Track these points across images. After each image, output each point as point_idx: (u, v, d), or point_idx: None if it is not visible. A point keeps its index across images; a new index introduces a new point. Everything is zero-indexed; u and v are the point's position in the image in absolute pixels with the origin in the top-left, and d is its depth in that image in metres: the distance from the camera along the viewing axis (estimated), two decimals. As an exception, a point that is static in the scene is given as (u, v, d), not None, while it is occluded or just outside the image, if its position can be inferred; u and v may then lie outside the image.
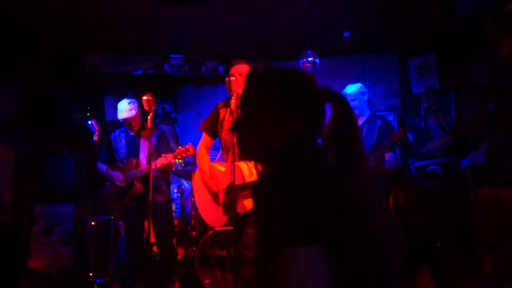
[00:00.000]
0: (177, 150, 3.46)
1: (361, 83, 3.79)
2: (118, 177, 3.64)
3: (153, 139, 3.69)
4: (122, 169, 3.65)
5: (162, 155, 3.50)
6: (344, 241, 0.91)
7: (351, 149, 1.04)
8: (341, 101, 1.07)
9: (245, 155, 1.17)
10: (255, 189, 1.10)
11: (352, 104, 3.56)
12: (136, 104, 3.66)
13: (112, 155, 3.80)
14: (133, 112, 3.62)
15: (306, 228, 0.86)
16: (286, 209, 0.89)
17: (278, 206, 0.90)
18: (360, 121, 3.64)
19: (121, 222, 4.39)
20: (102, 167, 3.80)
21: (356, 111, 3.58)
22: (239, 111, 1.16)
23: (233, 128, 1.17)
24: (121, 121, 3.71)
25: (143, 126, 3.74)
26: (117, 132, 3.84)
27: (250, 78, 1.15)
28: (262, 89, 1.09)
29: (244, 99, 1.13)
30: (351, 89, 3.65)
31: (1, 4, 3.74)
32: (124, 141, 3.76)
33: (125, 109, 3.64)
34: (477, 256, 3.57)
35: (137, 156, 3.64)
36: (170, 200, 3.92)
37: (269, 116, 1.05)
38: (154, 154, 3.64)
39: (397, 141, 3.36)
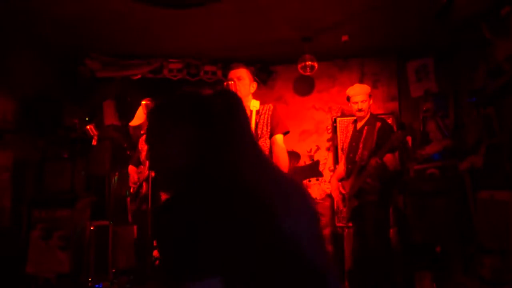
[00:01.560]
0: None
1: None
2: (132, 178, 3.68)
3: None
4: (140, 171, 3.69)
5: None
6: (247, 270, 0.85)
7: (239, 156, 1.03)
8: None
9: (151, 169, 1.20)
10: (155, 213, 1.09)
11: (361, 105, 3.57)
12: (149, 104, 3.60)
13: (138, 156, 3.84)
14: (141, 120, 3.63)
15: (203, 264, 0.82)
16: (181, 243, 0.85)
17: (173, 239, 0.86)
18: (361, 123, 3.64)
19: (122, 226, 4.41)
20: (130, 169, 3.84)
21: (362, 113, 3.59)
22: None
23: (146, 142, 1.20)
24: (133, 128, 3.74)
25: None
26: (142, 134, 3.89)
27: (152, 112, 1.17)
28: (166, 115, 1.11)
29: (151, 126, 1.15)
30: (361, 90, 3.64)
31: (0, 8, 3.74)
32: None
33: (136, 116, 3.67)
34: (476, 259, 3.57)
35: None
36: None
37: (176, 137, 1.07)
38: None
39: (397, 144, 3.36)
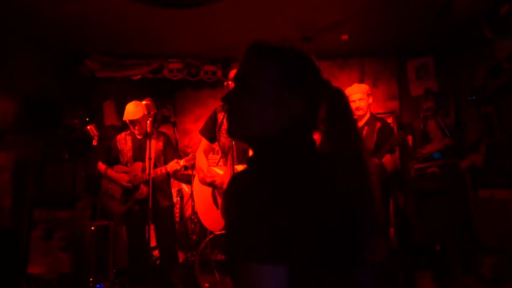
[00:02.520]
0: (186, 157, 3.48)
1: None
2: (123, 178, 3.64)
3: (160, 144, 3.71)
4: (127, 171, 3.66)
5: (175, 160, 3.51)
6: (317, 263, 0.79)
7: (348, 146, 0.91)
8: (342, 95, 0.96)
9: (233, 137, 1.03)
10: (232, 179, 0.90)
11: (359, 103, 3.56)
12: (142, 107, 3.59)
13: (115, 156, 3.80)
14: (139, 115, 3.61)
15: (273, 246, 0.75)
16: (257, 218, 0.76)
17: (249, 212, 0.78)
18: (361, 123, 3.63)
19: (123, 227, 4.39)
20: (102, 167, 3.79)
21: (361, 112, 3.58)
22: (233, 84, 0.99)
23: (225, 100, 1.01)
24: (128, 122, 3.69)
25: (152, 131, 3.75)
26: (123, 134, 3.84)
27: (253, 51, 1.02)
28: (266, 65, 0.96)
29: (243, 72, 0.99)
30: (359, 88, 3.63)
31: (0, 9, 3.74)
32: (130, 144, 3.75)
33: (132, 110, 3.64)
34: (477, 258, 3.57)
35: (143, 159, 3.64)
36: (173, 205, 3.93)
37: (269, 96, 0.93)
38: (160, 159, 3.66)
39: (397, 145, 3.35)
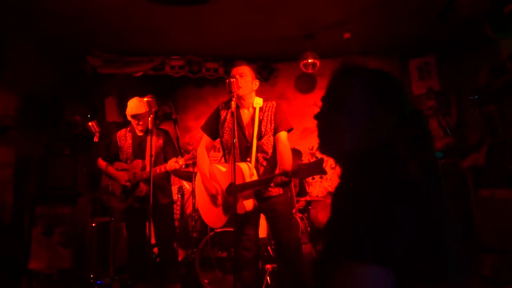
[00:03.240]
0: (187, 156, 3.47)
1: None
2: (122, 177, 3.64)
3: (160, 142, 3.70)
4: (127, 169, 3.65)
5: (174, 159, 3.50)
6: (416, 266, 0.79)
7: (429, 162, 0.94)
8: (420, 114, 1.00)
9: (324, 153, 1.05)
10: (334, 194, 0.99)
11: None
12: (145, 103, 3.55)
13: (115, 153, 3.79)
14: (143, 110, 3.59)
15: (376, 247, 0.77)
16: (362, 220, 0.80)
17: (355, 215, 0.82)
18: None
19: (123, 223, 4.40)
20: (102, 164, 3.79)
21: None
22: (321, 104, 1.06)
23: (317, 118, 1.04)
24: (131, 117, 3.67)
25: (153, 128, 3.73)
26: (123, 131, 3.83)
27: (343, 71, 1.05)
28: (357, 84, 1.00)
29: (333, 92, 1.02)
30: None
31: (1, 5, 3.74)
32: (130, 141, 3.75)
33: (136, 105, 3.63)
34: (477, 258, 3.56)
35: (143, 157, 3.63)
36: (173, 202, 3.93)
37: (360, 114, 0.96)
38: (160, 156, 3.65)
39: None
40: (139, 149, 3.69)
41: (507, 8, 3.45)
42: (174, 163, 3.45)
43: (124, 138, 3.77)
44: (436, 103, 4.72)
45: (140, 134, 3.72)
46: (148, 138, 3.66)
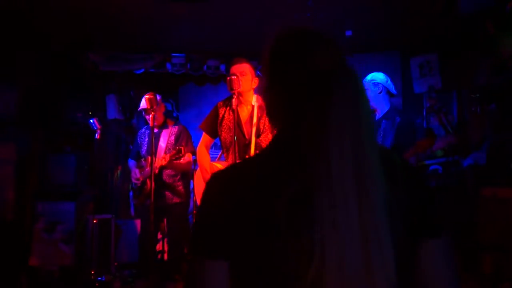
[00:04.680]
0: (171, 153, 3.42)
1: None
2: (134, 174, 3.66)
3: (172, 138, 3.68)
4: (141, 166, 3.67)
5: (162, 156, 3.49)
6: (256, 261, 0.77)
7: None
8: None
9: None
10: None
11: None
12: (152, 99, 3.36)
13: (137, 150, 3.81)
14: (145, 105, 3.56)
15: (209, 242, 0.80)
16: (201, 214, 0.85)
17: (203, 208, 0.85)
18: (378, 115, 3.31)
19: (127, 220, 4.43)
20: (130, 162, 3.83)
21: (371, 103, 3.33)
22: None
23: None
24: (143, 112, 3.68)
25: (164, 124, 3.72)
26: (143, 128, 3.85)
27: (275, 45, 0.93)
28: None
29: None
30: (365, 78, 3.33)
31: (2, 1, 3.74)
32: (146, 138, 3.75)
33: (142, 101, 3.63)
34: (477, 256, 3.57)
35: (154, 153, 3.61)
36: (187, 202, 3.83)
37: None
38: (171, 152, 3.61)
39: (423, 151, 3.13)
40: (151, 145, 3.68)
41: (509, 5, 3.44)
42: (161, 160, 3.43)
43: (143, 135, 3.79)
44: (437, 101, 4.71)
45: (155, 129, 3.71)
46: (161, 134, 3.67)
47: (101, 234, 4.33)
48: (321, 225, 0.70)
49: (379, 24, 4.39)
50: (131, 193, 4.52)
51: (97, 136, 3.84)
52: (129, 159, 3.90)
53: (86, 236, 4.29)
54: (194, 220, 0.75)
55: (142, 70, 5.17)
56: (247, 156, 2.79)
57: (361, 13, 4.09)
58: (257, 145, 2.81)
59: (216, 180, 0.85)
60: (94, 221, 4.23)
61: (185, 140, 3.72)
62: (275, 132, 0.90)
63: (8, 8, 3.86)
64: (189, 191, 3.83)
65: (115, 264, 4.25)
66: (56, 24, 4.26)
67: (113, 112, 5.40)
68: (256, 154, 0.91)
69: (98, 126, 3.77)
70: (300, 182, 0.74)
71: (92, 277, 3.99)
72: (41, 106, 4.52)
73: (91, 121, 3.76)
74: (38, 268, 4.07)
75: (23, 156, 4.29)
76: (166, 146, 3.64)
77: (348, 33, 4.54)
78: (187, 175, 3.82)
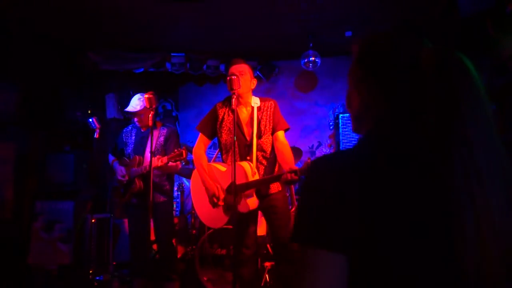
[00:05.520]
0: (172, 154, 3.41)
1: None
2: (120, 172, 3.64)
3: (161, 139, 3.68)
4: (127, 164, 3.65)
5: (157, 157, 3.48)
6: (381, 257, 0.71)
7: None
8: None
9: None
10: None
11: None
12: (144, 100, 3.35)
13: (122, 148, 3.80)
14: (138, 108, 3.59)
15: (334, 234, 0.72)
16: (319, 206, 0.75)
17: (313, 198, 0.77)
18: None
19: (124, 219, 4.40)
20: (110, 158, 3.81)
21: None
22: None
23: None
24: (131, 115, 3.67)
25: (153, 125, 3.71)
26: (129, 126, 3.83)
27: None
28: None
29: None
30: None
31: (3, 1, 3.74)
32: (133, 137, 3.74)
33: (134, 103, 3.62)
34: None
35: (142, 153, 3.62)
36: (171, 200, 3.90)
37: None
38: (161, 153, 3.63)
39: None
40: (140, 145, 3.68)
41: (510, 7, 3.44)
42: (156, 160, 3.41)
43: (129, 133, 3.77)
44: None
45: (143, 129, 3.71)
46: (148, 134, 3.66)
47: (100, 233, 4.33)
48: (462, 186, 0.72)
49: (379, 24, 4.39)
50: (110, 191, 4.46)
51: (96, 135, 3.82)
52: (110, 154, 3.83)
53: (84, 235, 4.28)
54: (299, 205, 0.68)
55: (142, 70, 5.17)
56: (248, 158, 2.78)
57: (360, 14, 4.09)
58: (258, 146, 2.80)
59: (332, 163, 0.78)
60: (93, 220, 4.22)
61: (174, 142, 3.72)
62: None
63: (8, 8, 3.86)
64: (173, 190, 3.86)
65: (113, 263, 4.25)
66: (56, 23, 4.26)
67: (112, 111, 5.39)
68: (355, 146, 0.86)
69: (97, 125, 3.75)
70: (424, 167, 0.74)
71: (90, 276, 3.98)
72: (40, 105, 4.51)
73: (90, 120, 3.74)
74: (37, 267, 4.06)
75: (22, 155, 4.28)
76: (155, 147, 3.63)
77: (348, 33, 4.55)
78: (171, 174, 3.83)
